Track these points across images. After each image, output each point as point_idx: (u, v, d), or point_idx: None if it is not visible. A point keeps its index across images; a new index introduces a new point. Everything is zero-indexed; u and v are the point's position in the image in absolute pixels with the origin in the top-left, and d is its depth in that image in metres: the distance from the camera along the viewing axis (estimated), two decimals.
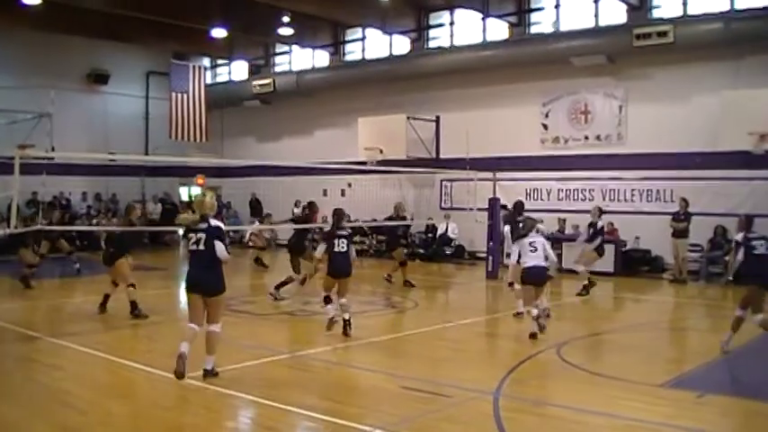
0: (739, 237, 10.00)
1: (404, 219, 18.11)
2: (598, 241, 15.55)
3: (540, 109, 21.89)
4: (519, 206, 14.78)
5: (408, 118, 23.05)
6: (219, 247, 8.20)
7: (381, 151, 22.81)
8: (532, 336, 10.70)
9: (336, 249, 10.93)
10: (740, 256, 9.84)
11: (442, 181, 23.72)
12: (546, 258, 11.05)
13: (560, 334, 11.34)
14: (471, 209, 18.86)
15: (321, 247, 11.13)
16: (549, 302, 12.22)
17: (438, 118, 23.98)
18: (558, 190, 21.57)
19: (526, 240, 11.13)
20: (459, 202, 22.62)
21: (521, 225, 11.80)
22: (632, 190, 20.10)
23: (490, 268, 18.20)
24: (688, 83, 19.23)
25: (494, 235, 18.32)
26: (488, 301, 15.83)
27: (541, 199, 21.78)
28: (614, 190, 20.46)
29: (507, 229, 14.99)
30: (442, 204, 23.81)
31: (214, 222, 8.35)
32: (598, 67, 20.26)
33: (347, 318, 10.91)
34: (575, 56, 20.21)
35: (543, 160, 21.64)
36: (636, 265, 19.27)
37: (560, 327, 12.16)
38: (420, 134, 23.23)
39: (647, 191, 19.85)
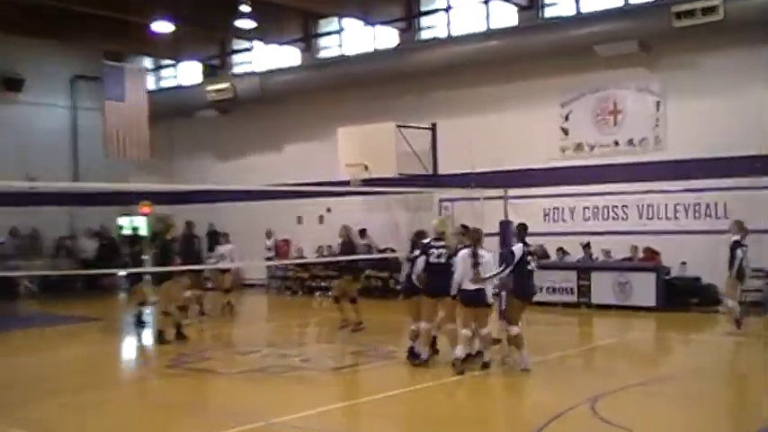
0: None
1: (353, 246, 17.75)
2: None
3: (559, 110, 21.86)
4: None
5: (399, 126, 22.97)
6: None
7: (367, 168, 22.67)
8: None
9: None
10: None
11: (441, 201, 23.59)
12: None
13: (594, 385, 11.22)
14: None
15: None
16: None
17: (434, 126, 23.92)
18: (584, 208, 21.48)
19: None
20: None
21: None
22: (675, 205, 20.04)
23: (503, 306, 18.03)
24: (742, 71, 19.22)
25: (506, 263, 18.10)
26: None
27: (563, 219, 21.78)
28: (653, 206, 20.39)
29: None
30: None
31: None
32: (629, 56, 20.25)
33: None
34: (599, 43, 20.19)
35: (564, 173, 21.60)
36: (682, 296, 19.17)
37: (593, 376, 12.05)
38: (413, 146, 23.16)
39: (694, 205, 19.78)
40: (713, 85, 19.55)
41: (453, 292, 12.35)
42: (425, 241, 12.88)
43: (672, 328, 17.25)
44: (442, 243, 12.71)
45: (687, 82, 19.93)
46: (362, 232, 23.66)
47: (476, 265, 12.03)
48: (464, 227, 14.01)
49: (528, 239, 12.98)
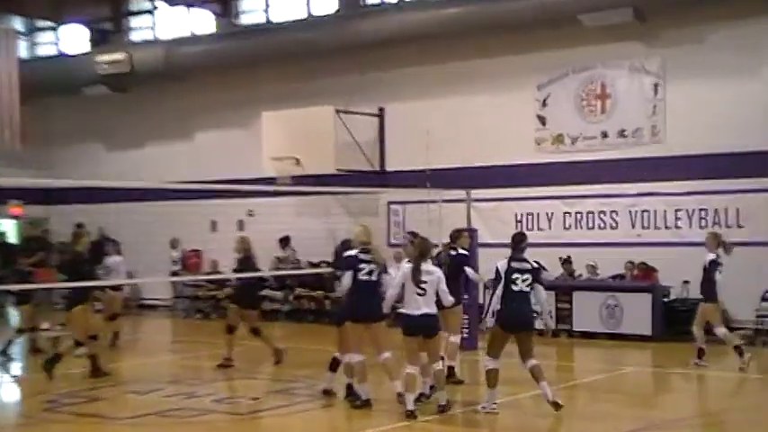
0: None
1: (252, 264, 17.52)
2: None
3: (535, 94, 22.04)
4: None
5: (338, 112, 23.08)
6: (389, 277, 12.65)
7: (298, 162, 22.78)
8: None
9: None
10: None
11: (390, 205, 23.78)
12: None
13: None
14: (435, 245, 18.75)
15: None
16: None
17: (382, 111, 24.08)
18: (565, 214, 21.71)
19: None
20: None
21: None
22: (676, 211, 20.23)
23: (465, 333, 18.02)
24: (758, 47, 19.48)
25: (469, 285, 18.13)
26: (465, 386, 15.36)
27: (539, 228, 21.92)
28: (649, 212, 20.61)
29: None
30: (392, 239, 23.65)
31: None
32: (621, 27, 20.36)
33: None
34: (586, 11, 20.28)
35: (540, 171, 21.79)
36: (685, 323, 18.67)
37: (574, 421, 12.12)
38: (356, 136, 23.30)
39: (700, 211, 19.96)
40: (723, 65, 19.76)
41: (386, 311, 12.43)
42: (352, 253, 12.72)
43: (672, 362, 17.30)
44: (370, 256, 12.62)
45: (692, 60, 20.13)
46: (284, 241, 23.66)
47: (418, 282, 11.99)
48: (412, 234, 13.95)
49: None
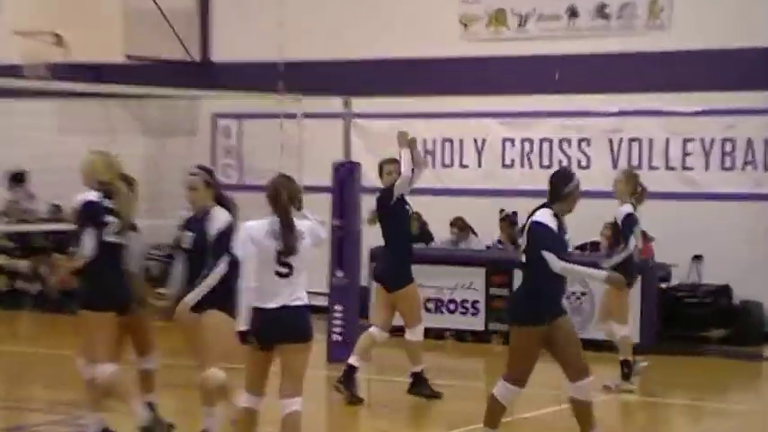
0: None
1: None
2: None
3: None
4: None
5: None
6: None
7: (60, 41, 22.67)
8: None
9: None
10: None
11: (217, 118, 23.75)
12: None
13: None
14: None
15: None
16: None
17: None
18: (505, 143, 21.90)
19: None
20: (261, 170, 22.07)
21: None
22: (684, 141, 20.46)
23: (337, 335, 18.04)
24: None
25: (345, 254, 18.02)
26: (333, 417, 15.83)
27: (463, 164, 22.25)
28: (640, 142, 20.80)
29: None
30: (220, 175, 23.34)
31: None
32: None
33: None
34: None
35: (468, 70, 21.96)
36: (694, 323, 19.54)
37: None
38: (161, 1, 23.14)
39: (723, 142, 20.17)
40: None
41: (244, 320, 11.19)
42: (90, 198, 12.38)
43: (670, 386, 17.44)
44: (111, 204, 12.43)
45: None
46: (16, 178, 24.28)
47: (287, 251, 11.10)
48: (205, 170, 13.32)
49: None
